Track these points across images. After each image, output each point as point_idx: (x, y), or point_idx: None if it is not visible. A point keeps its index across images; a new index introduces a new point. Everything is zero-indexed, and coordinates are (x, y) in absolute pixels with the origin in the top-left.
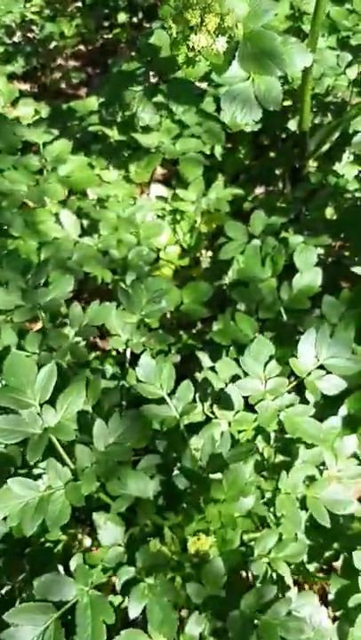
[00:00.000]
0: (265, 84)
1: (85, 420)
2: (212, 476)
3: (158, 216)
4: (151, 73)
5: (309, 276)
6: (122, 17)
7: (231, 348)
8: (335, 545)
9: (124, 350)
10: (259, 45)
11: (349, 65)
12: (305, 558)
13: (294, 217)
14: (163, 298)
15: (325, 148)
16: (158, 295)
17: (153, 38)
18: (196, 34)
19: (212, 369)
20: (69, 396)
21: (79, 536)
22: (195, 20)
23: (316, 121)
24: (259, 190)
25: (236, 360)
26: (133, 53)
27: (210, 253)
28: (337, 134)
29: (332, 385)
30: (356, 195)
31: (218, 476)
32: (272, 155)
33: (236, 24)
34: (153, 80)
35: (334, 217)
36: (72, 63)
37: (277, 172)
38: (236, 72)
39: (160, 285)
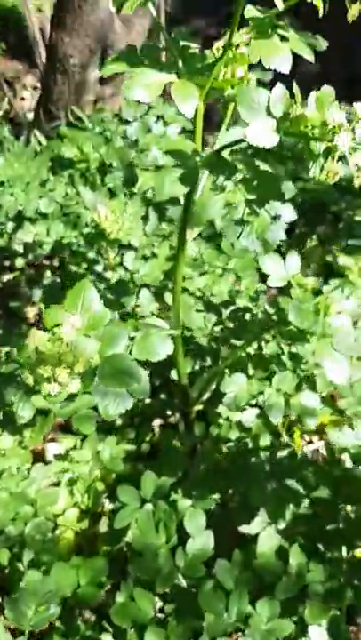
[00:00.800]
0: None
1: None
2: None
3: (54, 484)
4: None
5: (201, 541)
6: (19, 262)
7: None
8: None
9: None
10: (115, 366)
11: (215, 325)
12: None
13: (183, 474)
14: (53, 603)
15: (206, 396)
16: (47, 599)
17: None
18: (50, 383)
19: None
20: None
21: None
22: (47, 373)
23: (197, 366)
24: (157, 422)
25: None
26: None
27: (111, 506)
28: (214, 385)
29: None
30: (242, 440)
31: None
32: (163, 396)
33: (89, 361)
34: None
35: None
36: None
37: (170, 412)
38: None
39: (49, 587)
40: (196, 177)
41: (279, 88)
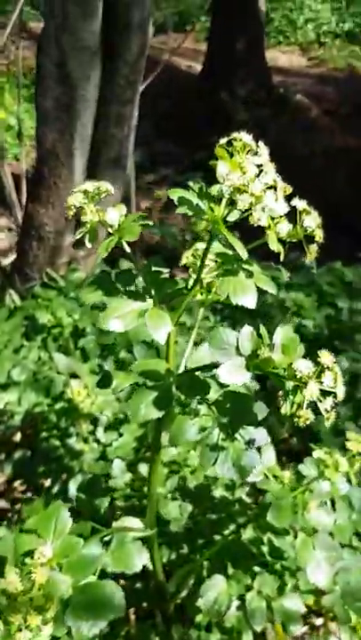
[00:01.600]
0: None
1: None
2: None
3: None
4: None
5: None
6: None
7: None
8: None
9: None
10: (89, 596)
11: (191, 515)
12: None
13: None
14: None
15: (185, 592)
16: None
17: None
18: (21, 631)
19: None
20: None
21: None
22: (18, 622)
23: (173, 556)
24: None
25: None
26: None
27: None
28: (192, 581)
29: None
30: None
31: None
32: (138, 585)
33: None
34: None
35: None
36: None
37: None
38: None
39: None
40: (170, 399)
41: (246, 329)
